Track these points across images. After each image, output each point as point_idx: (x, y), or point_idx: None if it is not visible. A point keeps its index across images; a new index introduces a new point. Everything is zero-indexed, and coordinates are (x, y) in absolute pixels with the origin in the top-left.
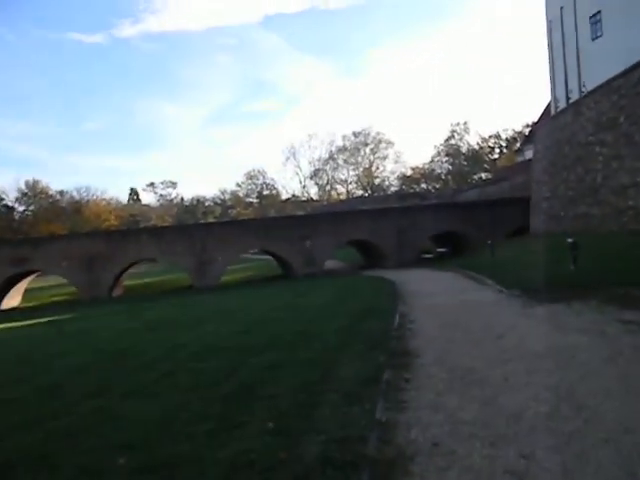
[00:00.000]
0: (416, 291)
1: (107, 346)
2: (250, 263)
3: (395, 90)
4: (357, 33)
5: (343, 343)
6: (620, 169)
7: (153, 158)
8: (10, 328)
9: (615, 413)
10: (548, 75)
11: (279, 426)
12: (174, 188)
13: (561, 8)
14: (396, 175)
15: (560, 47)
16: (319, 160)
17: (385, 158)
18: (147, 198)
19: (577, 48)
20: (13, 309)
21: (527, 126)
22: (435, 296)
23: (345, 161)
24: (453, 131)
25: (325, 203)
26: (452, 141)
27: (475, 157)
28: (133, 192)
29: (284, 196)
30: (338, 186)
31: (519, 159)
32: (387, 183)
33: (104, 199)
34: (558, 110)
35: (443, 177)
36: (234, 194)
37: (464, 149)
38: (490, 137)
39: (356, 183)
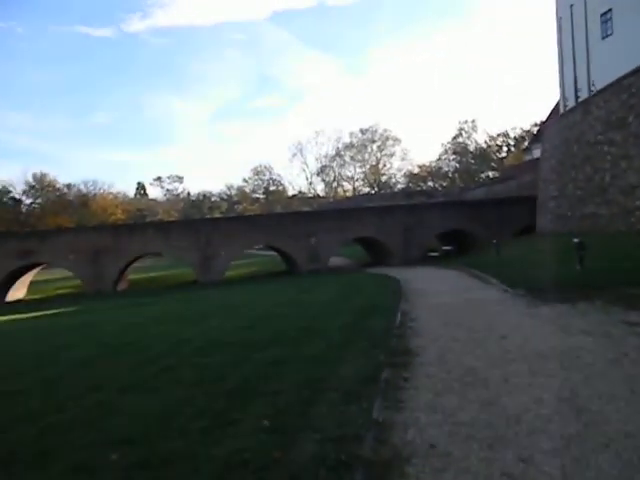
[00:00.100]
0: (420, 289)
1: (111, 340)
2: (255, 259)
3: (402, 87)
4: (365, 30)
5: (345, 340)
6: (629, 169)
7: (160, 153)
8: (14, 320)
9: (617, 416)
10: (557, 73)
11: (275, 424)
12: (181, 183)
13: (571, 6)
14: (403, 173)
15: (570, 45)
16: (326, 157)
17: (392, 155)
18: (154, 192)
19: (587, 46)
20: (18, 301)
21: (536, 125)
22: (439, 294)
23: (352, 158)
24: (461, 129)
25: (331, 200)
26: (460, 139)
27: (483, 155)
28: (140, 186)
29: (290, 192)
30: (345, 183)
31: (527, 158)
32: (394, 180)
33: (111, 193)
34: (567, 109)
35: (450, 175)
36: (240, 190)
37: (472, 147)
38: (498, 135)
39: (363, 180)
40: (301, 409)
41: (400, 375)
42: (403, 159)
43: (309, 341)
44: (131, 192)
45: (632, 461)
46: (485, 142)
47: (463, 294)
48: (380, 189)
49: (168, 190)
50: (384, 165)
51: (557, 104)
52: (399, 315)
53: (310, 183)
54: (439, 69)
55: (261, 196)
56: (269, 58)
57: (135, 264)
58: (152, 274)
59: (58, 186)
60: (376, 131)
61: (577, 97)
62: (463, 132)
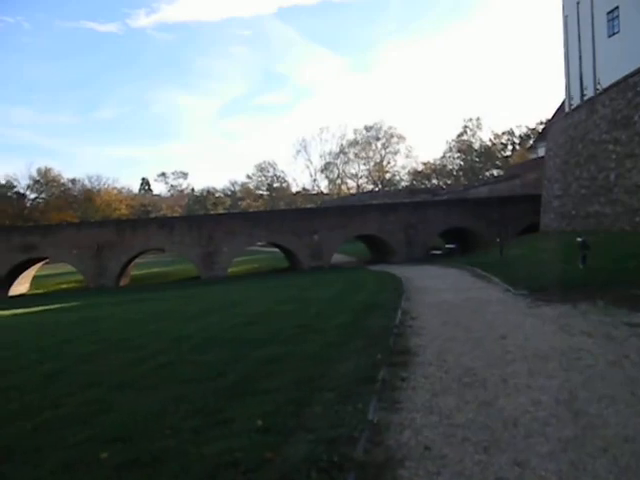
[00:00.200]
0: (421, 287)
1: (110, 336)
2: (258, 255)
3: (407, 85)
4: (371, 27)
5: (344, 339)
6: (634, 168)
7: (165, 148)
8: (17, 314)
9: (616, 420)
10: (563, 71)
11: (269, 423)
12: (185, 179)
13: (577, 3)
14: (407, 170)
15: (576, 43)
16: (330, 154)
17: (396, 153)
18: (158, 188)
19: (593, 44)
20: (22, 295)
21: (541, 123)
22: (440, 293)
23: (356, 155)
24: (465, 127)
25: (335, 197)
26: (464, 137)
27: (487, 153)
28: (144, 182)
29: (294, 189)
30: (349, 180)
31: (532, 156)
32: (398, 178)
33: (115, 188)
34: (572, 107)
35: (454, 173)
36: (244, 186)
37: (476, 145)
38: (503, 133)
39: (367, 177)
40: (295, 408)
41: (398, 375)
42: (407, 156)
43: (308, 339)
44: (135, 188)
45: (630, 467)
46: (490, 140)
47: (464, 293)
48: (384, 186)
49: (172, 186)
50: (388, 162)
51: (563, 102)
52: (399, 313)
53: (314, 180)
54: (444, 66)
55: (265, 192)
56: (275, 54)
57: (138, 260)
58: (155, 270)
59: (62, 181)
60: (380, 128)
61: (583, 95)
62: (468, 130)
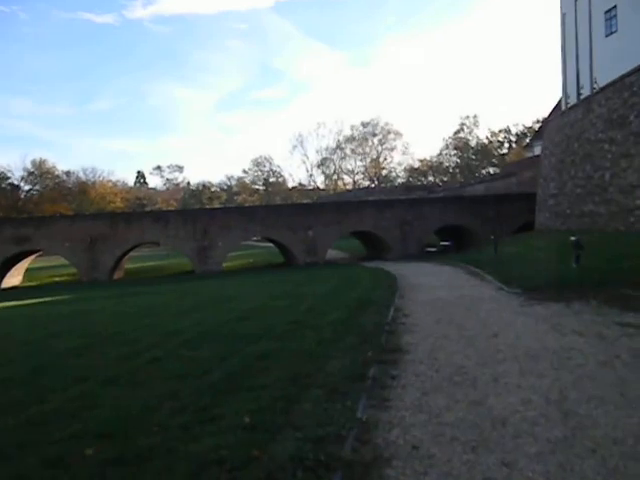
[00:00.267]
0: (415, 285)
1: (101, 329)
2: (253, 250)
3: (405, 81)
4: (368, 22)
5: (336, 335)
6: (629, 168)
7: (161, 142)
8: (9, 307)
9: (605, 421)
10: (560, 70)
11: (257, 421)
12: (181, 172)
13: (575, 1)
14: (403, 167)
15: (573, 42)
16: (326, 149)
17: (393, 149)
18: (154, 181)
19: (590, 43)
20: (14, 288)
21: (538, 121)
22: (434, 290)
23: (353, 151)
24: (462, 124)
25: (331, 193)
26: (461, 134)
27: (484, 151)
28: (140, 175)
29: (290, 184)
30: (345, 176)
31: (528, 155)
32: (394, 174)
33: (110, 181)
34: (569, 106)
35: (451, 170)
36: (240, 180)
37: (473, 143)
38: (500, 131)
39: (363, 174)
40: (284, 406)
41: (388, 373)
42: (404, 153)
43: (300, 335)
44: (131, 181)
45: (618, 468)
46: (486, 138)
47: (458, 291)
48: (380, 183)
49: (168, 179)
50: (385, 159)
51: (559, 101)
52: (392, 310)
53: (310, 175)
54: (442, 63)
55: (261, 187)
56: (272, 49)
57: (133, 253)
58: (149, 264)
59: (57, 173)
60: (377, 124)
61: (579, 94)
62: (465, 127)
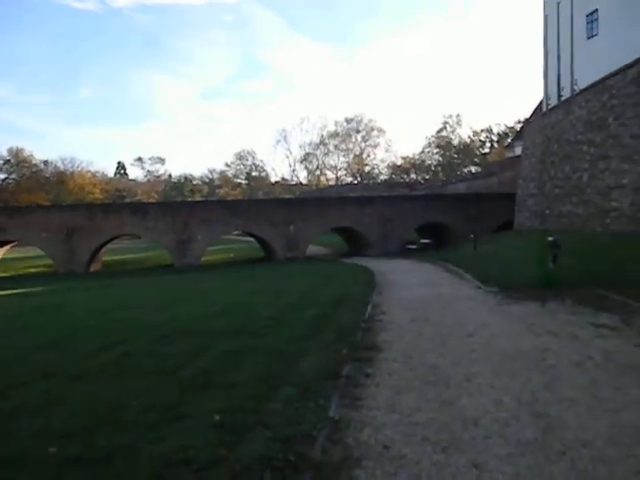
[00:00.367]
0: (394, 282)
1: (72, 323)
2: (233, 244)
3: (389, 79)
4: (355, 19)
5: (312, 332)
6: (606, 170)
7: (143, 132)
8: None
9: (576, 423)
10: (542, 71)
11: (226, 419)
12: (162, 164)
13: (558, 3)
14: (386, 164)
15: (555, 43)
16: (310, 144)
17: (376, 146)
18: (134, 173)
19: (572, 45)
20: None
21: (519, 122)
22: (411, 288)
23: (336, 147)
24: (445, 123)
25: (314, 188)
26: (444, 133)
27: (466, 150)
28: (120, 166)
29: (273, 179)
30: (328, 172)
31: (509, 155)
32: (377, 171)
33: (90, 171)
34: (549, 107)
35: (433, 168)
36: (223, 174)
37: (455, 141)
38: (482, 131)
39: (346, 170)
40: (255, 404)
41: (362, 371)
42: (387, 150)
43: (274, 332)
44: (111, 171)
45: (587, 471)
46: (469, 137)
47: (436, 289)
48: (363, 179)
49: (149, 171)
50: (368, 155)
51: (541, 102)
52: (369, 308)
53: (293, 170)
54: (426, 63)
55: (243, 181)
56: (256, 41)
57: (112, 245)
58: (128, 256)
59: (34, 162)
60: (361, 121)
61: (560, 96)
62: (447, 126)
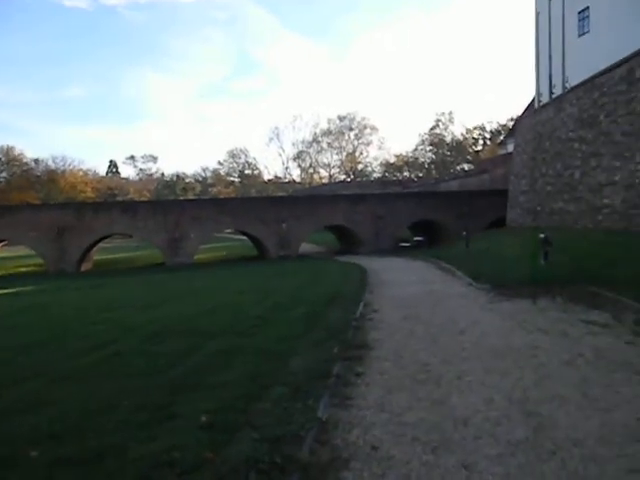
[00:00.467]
0: (386, 280)
1: (62, 323)
2: (226, 242)
3: (382, 77)
4: (346, 16)
5: (303, 331)
6: (598, 167)
7: (135, 131)
8: None
9: (567, 422)
10: (534, 68)
11: (215, 420)
12: (155, 163)
13: (549, 1)
14: (379, 161)
15: (546, 41)
16: (303, 142)
17: (369, 144)
18: (126, 171)
19: (563, 43)
20: None
21: (511, 119)
22: (403, 286)
23: (329, 145)
24: (438, 120)
25: (307, 186)
26: (437, 130)
27: (458, 148)
28: (112, 164)
29: (266, 177)
30: (321, 170)
31: (502, 152)
32: (370, 169)
33: (81, 170)
34: (541, 104)
35: (426, 166)
36: (215, 172)
37: (448, 139)
38: (475, 128)
39: (339, 167)
40: (244, 404)
41: (353, 370)
42: (380, 148)
43: (265, 331)
44: (103, 170)
45: (577, 471)
46: (462, 135)
47: (428, 286)
48: (356, 177)
49: (141, 170)
50: (361, 153)
51: (533, 99)
52: (361, 306)
53: (286, 168)
54: (419, 60)
55: (236, 179)
56: (250, 39)
57: (103, 244)
58: (119, 255)
59: (25, 160)
60: (354, 119)
61: (551, 93)
62: (440, 124)
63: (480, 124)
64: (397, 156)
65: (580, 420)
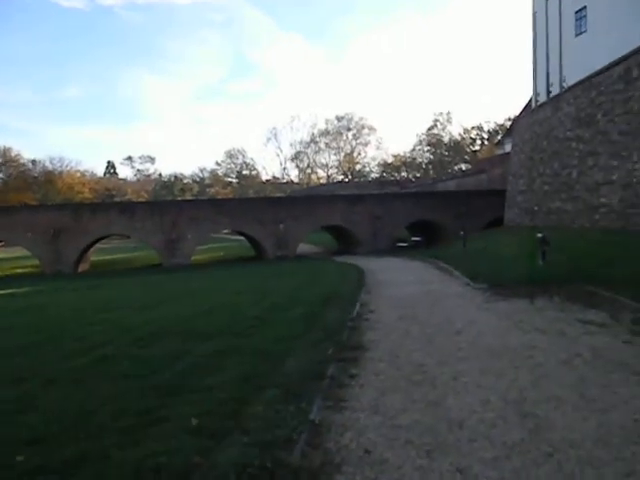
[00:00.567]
0: (383, 280)
1: (55, 324)
2: (224, 243)
3: (380, 76)
4: (345, 18)
5: (298, 332)
6: (595, 166)
7: (134, 132)
8: None
9: (563, 423)
10: (531, 68)
11: (204, 424)
12: (152, 163)
13: (546, 1)
14: (377, 162)
15: (544, 40)
16: (301, 142)
17: (367, 144)
18: (124, 172)
19: (560, 42)
20: None
21: (509, 119)
22: (400, 286)
23: (327, 145)
24: (436, 120)
25: (305, 186)
26: (434, 131)
27: (456, 148)
28: (110, 165)
29: (264, 177)
30: (319, 170)
31: (499, 152)
32: (368, 169)
33: (78, 170)
34: (538, 104)
35: (424, 166)
36: (213, 172)
37: (446, 139)
38: (472, 128)
39: (337, 168)
40: (235, 407)
41: (347, 371)
42: (378, 148)
43: (260, 332)
44: (100, 171)
45: (574, 474)
46: (459, 135)
47: (425, 286)
48: (354, 177)
49: (139, 170)
50: (359, 153)
51: (530, 99)
52: (357, 306)
53: (284, 169)
54: (417, 61)
55: (234, 180)
56: (247, 41)
57: (101, 245)
58: (116, 256)
59: (22, 161)
60: (352, 119)
61: (549, 93)
62: (438, 124)
63: (478, 124)
64: (395, 156)
65: (577, 421)
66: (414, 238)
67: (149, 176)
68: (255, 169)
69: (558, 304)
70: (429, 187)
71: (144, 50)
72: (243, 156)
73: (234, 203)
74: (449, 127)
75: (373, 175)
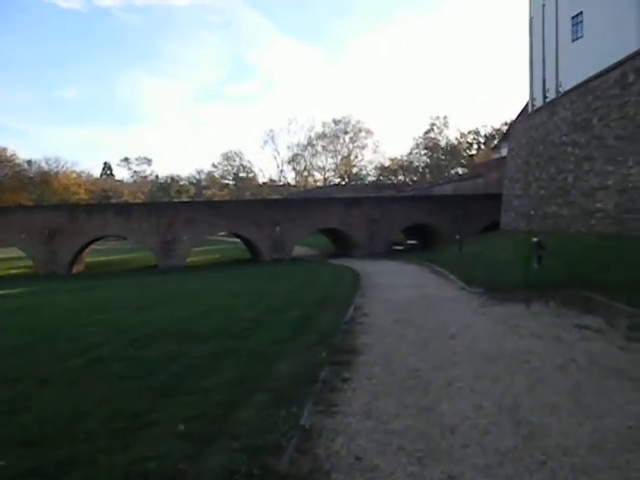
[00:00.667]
0: (378, 283)
1: (48, 325)
2: (219, 245)
3: (377, 81)
4: (343, 20)
5: (292, 335)
6: (591, 171)
7: (130, 133)
8: None
9: (558, 429)
10: (528, 73)
11: (193, 428)
12: (149, 165)
13: (543, 6)
14: (374, 165)
15: (540, 45)
16: (298, 145)
17: (364, 147)
18: (121, 173)
19: (557, 47)
20: None
21: (505, 124)
22: (395, 290)
23: (324, 148)
24: (433, 124)
25: (302, 189)
26: (431, 134)
27: (453, 152)
28: (106, 166)
29: (261, 180)
30: (316, 173)
31: (496, 156)
32: (364, 172)
33: (74, 171)
34: (534, 109)
35: (421, 170)
36: (210, 174)
37: (443, 143)
38: (469, 132)
39: (334, 171)
40: (225, 412)
41: (340, 375)
42: (375, 151)
43: (254, 335)
44: (97, 172)
45: None
46: (456, 139)
47: (420, 290)
48: (351, 180)
49: (135, 172)
50: (355, 157)
51: (526, 104)
52: (352, 309)
53: (281, 171)
54: (415, 65)
55: (230, 182)
56: (245, 43)
57: (97, 246)
58: (112, 257)
59: (17, 161)
60: (349, 122)
61: (545, 97)
62: (435, 128)
63: (474, 128)
64: (392, 160)
65: (572, 427)
66: (410, 241)
67: (146, 177)
68: (252, 171)
69: (554, 309)
70: (426, 191)
71: (142, 52)
72: (240, 158)
73: (230, 205)
74: (446, 131)
75: (370, 178)
